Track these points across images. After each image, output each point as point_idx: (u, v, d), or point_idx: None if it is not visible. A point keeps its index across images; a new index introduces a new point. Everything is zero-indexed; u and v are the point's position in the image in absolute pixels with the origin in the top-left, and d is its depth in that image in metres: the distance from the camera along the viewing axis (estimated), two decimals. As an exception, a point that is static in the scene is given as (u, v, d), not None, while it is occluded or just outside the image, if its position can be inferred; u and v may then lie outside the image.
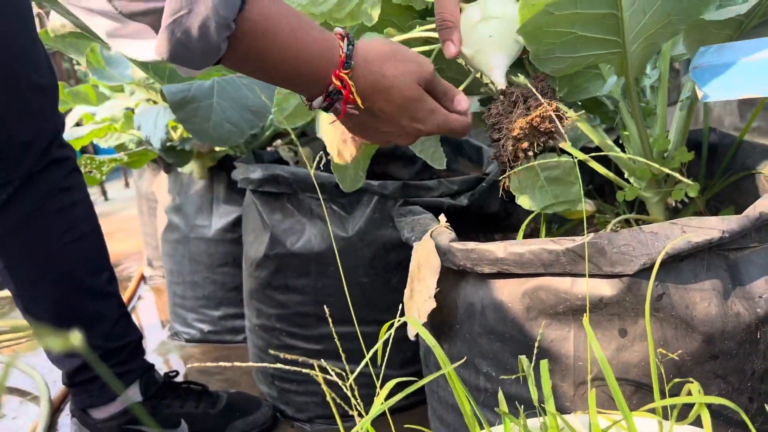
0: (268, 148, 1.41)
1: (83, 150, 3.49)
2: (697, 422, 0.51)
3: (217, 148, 1.41)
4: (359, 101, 0.62)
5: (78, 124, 1.81)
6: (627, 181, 0.88)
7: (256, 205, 1.16)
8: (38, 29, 1.04)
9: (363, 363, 0.51)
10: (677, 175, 0.65)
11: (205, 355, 1.54)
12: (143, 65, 1.20)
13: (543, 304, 0.68)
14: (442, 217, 0.81)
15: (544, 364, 0.56)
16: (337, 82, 0.60)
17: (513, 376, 0.69)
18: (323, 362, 0.51)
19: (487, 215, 1.06)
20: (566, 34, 0.63)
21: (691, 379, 0.52)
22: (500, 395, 0.57)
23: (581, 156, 0.81)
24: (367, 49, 0.63)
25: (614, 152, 0.84)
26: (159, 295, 2.04)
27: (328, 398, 0.46)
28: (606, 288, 0.64)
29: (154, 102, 1.46)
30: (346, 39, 0.61)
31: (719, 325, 0.64)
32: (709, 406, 0.58)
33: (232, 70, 0.63)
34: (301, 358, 0.50)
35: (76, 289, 1.02)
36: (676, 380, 0.60)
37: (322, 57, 0.60)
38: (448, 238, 0.75)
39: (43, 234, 0.99)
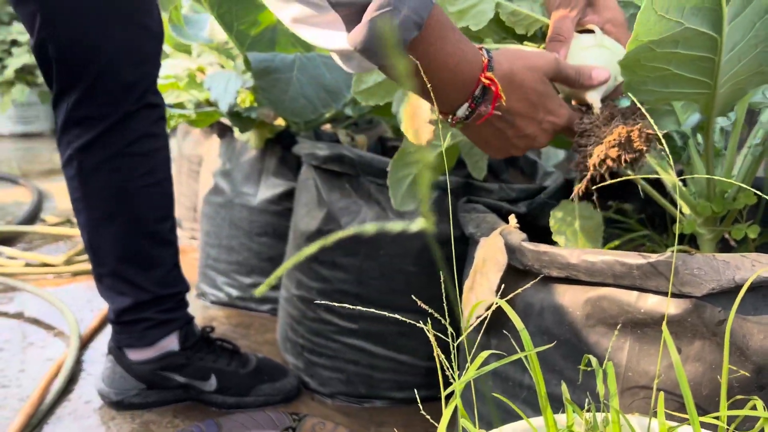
0: (325, 129, 1.46)
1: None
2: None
3: (276, 122, 1.45)
4: (504, 99, 0.65)
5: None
6: (682, 214, 0.93)
7: (316, 181, 1.20)
8: None
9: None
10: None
11: (229, 319, 1.58)
12: (230, 30, 1.24)
13: (604, 313, 0.72)
14: (512, 218, 0.85)
15: (610, 366, 0.60)
16: (486, 81, 0.63)
17: (585, 368, 0.72)
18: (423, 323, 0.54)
19: (539, 227, 1.10)
20: (662, 70, 0.67)
21: (755, 397, 0.56)
22: (563, 387, 0.61)
23: (640, 182, 0.85)
24: (495, 52, 0.67)
25: (678, 185, 0.88)
26: (182, 256, 2.08)
27: (436, 353, 0.50)
28: (672, 306, 0.68)
29: (222, 67, 1.50)
30: (483, 48, 0.66)
31: (770, 358, 0.68)
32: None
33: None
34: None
35: (142, 231, 1.07)
36: (739, 397, 0.64)
37: (473, 64, 0.63)
38: (519, 237, 0.79)
39: (125, 173, 1.04)
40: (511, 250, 0.79)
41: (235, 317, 1.59)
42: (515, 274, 0.80)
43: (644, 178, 1.05)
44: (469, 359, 0.57)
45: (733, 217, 0.90)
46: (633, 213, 1.12)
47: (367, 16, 0.55)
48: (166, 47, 1.86)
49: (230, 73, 1.36)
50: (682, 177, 0.97)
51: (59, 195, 2.83)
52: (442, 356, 0.51)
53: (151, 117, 1.05)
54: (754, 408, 0.53)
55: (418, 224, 0.30)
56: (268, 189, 1.52)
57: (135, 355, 1.13)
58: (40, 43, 0.97)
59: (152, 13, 1.03)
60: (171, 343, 1.14)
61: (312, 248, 0.38)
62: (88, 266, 1.78)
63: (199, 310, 1.64)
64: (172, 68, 1.67)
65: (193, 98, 1.63)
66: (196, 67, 1.67)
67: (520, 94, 0.66)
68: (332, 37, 0.59)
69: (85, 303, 1.65)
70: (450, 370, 0.53)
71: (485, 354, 0.54)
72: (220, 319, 1.59)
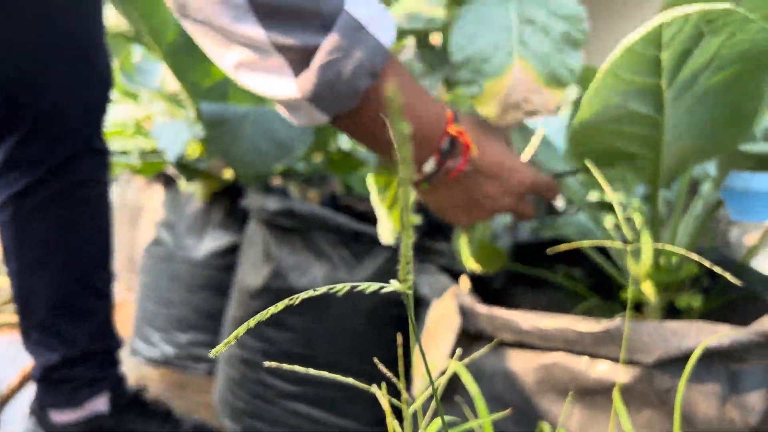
0: (275, 183, 1.44)
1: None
2: None
3: (225, 175, 1.42)
4: (475, 151, 0.62)
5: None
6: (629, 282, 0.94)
7: (264, 235, 1.17)
8: None
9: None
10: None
11: (164, 378, 1.50)
12: (184, 80, 1.23)
13: (555, 380, 0.72)
14: (464, 279, 0.84)
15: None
16: (453, 132, 0.61)
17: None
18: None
19: (490, 290, 1.10)
20: (608, 145, 0.70)
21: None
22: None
23: (588, 243, 0.86)
24: (466, 115, 0.67)
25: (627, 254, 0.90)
26: (117, 310, 1.98)
27: (389, 420, 0.48)
28: (622, 374, 0.68)
29: (172, 116, 1.48)
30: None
31: (715, 426, 0.68)
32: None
33: (345, 131, 0.61)
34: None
35: (77, 280, 1.01)
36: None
37: (438, 117, 0.61)
38: (472, 299, 0.78)
39: (63, 219, 0.98)
40: (463, 312, 0.78)
41: (171, 377, 1.51)
42: (467, 337, 0.79)
43: (592, 246, 1.07)
44: (422, 426, 0.54)
45: (678, 285, 0.92)
46: (581, 279, 1.13)
47: (316, 62, 0.51)
48: (114, 93, 1.83)
49: (180, 123, 1.34)
50: (628, 245, 1.00)
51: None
52: (395, 422, 0.49)
53: (94, 163, 1.01)
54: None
55: (393, 285, 0.28)
56: (212, 242, 1.47)
57: (60, 416, 1.05)
58: None
59: (101, 57, 1.00)
60: (100, 404, 1.07)
61: (267, 312, 0.36)
62: (12, 318, 1.67)
63: (132, 368, 1.55)
64: (118, 115, 1.63)
65: (138, 147, 1.59)
66: (144, 115, 1.64)
67: (488, 147, 0.64)
68: (278, 85, 0.54)
69: (7, 359, 1.54)
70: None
71: (438, 421, 0.52)
72: (154, 378, 1.51)
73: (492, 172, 0.65)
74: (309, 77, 0.52)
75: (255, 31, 0.51)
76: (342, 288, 0.29)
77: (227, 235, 1.46)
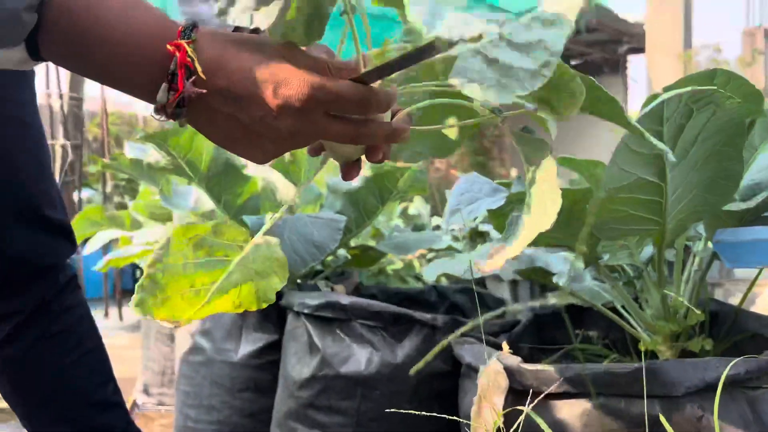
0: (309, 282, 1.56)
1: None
2: None
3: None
4: (200, 70, 0.50)
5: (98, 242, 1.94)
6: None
7: (307, 328, 1.28)
8: (106, 157, 1.19)
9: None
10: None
11: (210, 482, 1.54)
12: (218, 200, 1.38)
13: (600, 422, 0.82)
14: (506, 345, 0.96)
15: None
16: (171, 49, 0.50)
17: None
18: None
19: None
20: (622, 212, 0.85)
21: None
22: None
23: (609, 314, 0.99)
24: (213, 30, 0.54)
25: (636, 311, 1.03)
26: (148, 422, 2.02)
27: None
28: (658, 407, 0.79)
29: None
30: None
31: (744, 447, 0.79)
32: None
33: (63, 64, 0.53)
34: None
35: (84, 403, 1.03)
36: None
37: (159, 35, 0.51)
38: (516, 360, 0.90)
39: (50, 356, 1.00)
40: (510, 372, 0.89)
41: (216, 480, 1.55)
42: (514, 395, 0.90)
43: (604, 306, 1.20)
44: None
45: (686, 335, 1.04)
46: (597, 339, 1.25)
47: None
48: (140, 216, 1.97)
49: (217, 235, 1.47)
50: (635, 300, 1.13)
51: None
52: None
53: (66, 293, 1.02)
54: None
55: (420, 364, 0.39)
56: (250, 344, 1.57)
57: None
58: None
59: (54, 202, 1.00)
60: None
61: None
62: None
63: (177, 475, 1.59)
64: (151, 235, 1.76)
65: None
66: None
67: (235, 62, 0.52)
68: None
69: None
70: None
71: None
72: (199, 483, 1.55)
73: (244, 92, 0.51)
74: None
75: None
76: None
77: (263, 334, 1.56)
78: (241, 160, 1.60)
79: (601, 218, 0.82)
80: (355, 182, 1.70)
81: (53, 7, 0.49)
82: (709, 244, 1.01)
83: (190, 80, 0.51)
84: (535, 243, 1.16)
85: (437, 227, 3.23)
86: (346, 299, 1.23)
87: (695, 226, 0.97)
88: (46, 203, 0.99)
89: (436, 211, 4.54)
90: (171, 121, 0.54)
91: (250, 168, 1.58)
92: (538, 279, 1.34)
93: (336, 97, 0.51)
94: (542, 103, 0.52)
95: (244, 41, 0.53)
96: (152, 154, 1.36)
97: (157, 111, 0.53)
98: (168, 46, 0.50)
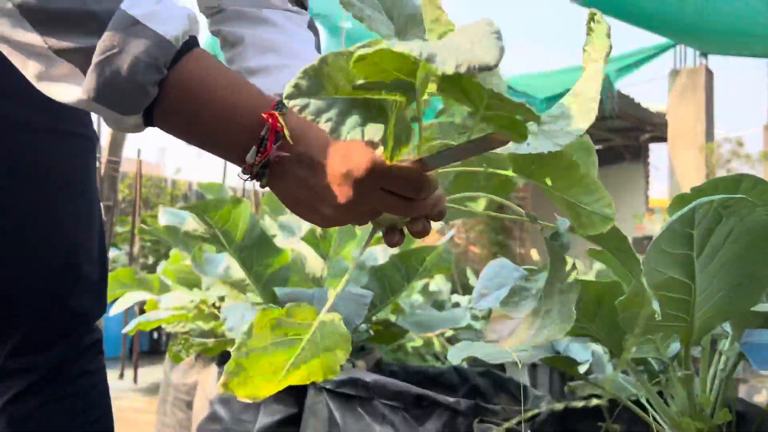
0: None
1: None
2: None
3: (281, 350, 1.56)
4: (288, 134, 0.57)
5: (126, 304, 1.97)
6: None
7: (328, 404, 1.28)
8: (137, 218, 1.22)
9: None
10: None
11: None
12: (249, 270, 1.42)
13: None
14: (529, 435, 0.95)
15: None
16: (265, 116, 0.57)
17: None
18: None
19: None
20: (652, 309, 0.86)
21: None
22: None
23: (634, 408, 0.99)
24: None
25: (662, 406, 1.02)
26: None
27: None
28: None
29: (234, 300, 1.65)
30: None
31: None
32: None
33: (174, 135, 0.60)
34: None
35: None
36: None
37: (256, 104, 0.58)
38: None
39: (57, 420, 0.97)
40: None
41: None
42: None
43: (628, 399, 1.19)
44: None
45: (714, 432, 1.03)
46: (622, 434, 1.23)
47: (93, 62, 0.53)
48: (169, 280, 2.01)
49: (244, 304, 1.50)
50: (660, 394, 1.12)
51: None
52: None
53: (88, 356, 1.01)
54: None
55: None
56: (268, 416, 1.56)
57: None
58: None
59: (94, 261, 0.99)
60: None
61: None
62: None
63: None
64: (177, 300, 1.80)
65: (196, 328, 1.74)
66: (200, 299, 1.81)
67: (316, 133, 0.58)
68: (70, 90, 0.55)
69: None
70: None
71: None
72: None
73: (318, 159, 0.58)
74: (90, 78, 0.53)
75: (32, 37, 0.53)
76: None
77: (282, 407, 1.56)
78: (272, 232, 1.65)
79: (630, 313, 0.84)
80: (381, 259, 1.74)
81: (172, 82, 0.56)
82: (736, 344, 1.02)
83: (276, 144, 0.58)
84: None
85: (456, 305, 3.22)
86: (368, 377, 1.24)
87: (723, 323, 0.98)
88: (86, 261, 0.98)
89: (455, 287, 4.53)
90: (254, 180, 0.61)
91: (281, 241, 1.63)
92: (562, 367, 1.34)
93: (392, 175, 0.56)
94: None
95: None
96: (190, 222, 1.42)
97: (244, 171, 0.60)
98: (263, 115, 0.57)
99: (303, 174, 0.59)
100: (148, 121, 0.58)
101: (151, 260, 4.11)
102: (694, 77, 5.68)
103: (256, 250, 1.45)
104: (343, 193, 0.57)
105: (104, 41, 0.53)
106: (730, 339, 0.98)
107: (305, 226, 1.75)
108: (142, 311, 2.14)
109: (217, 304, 1.76)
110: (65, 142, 0.95)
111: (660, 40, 5.32)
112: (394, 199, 0.58)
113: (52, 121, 0.91)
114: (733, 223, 0.71)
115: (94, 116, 1.06)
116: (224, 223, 1.36)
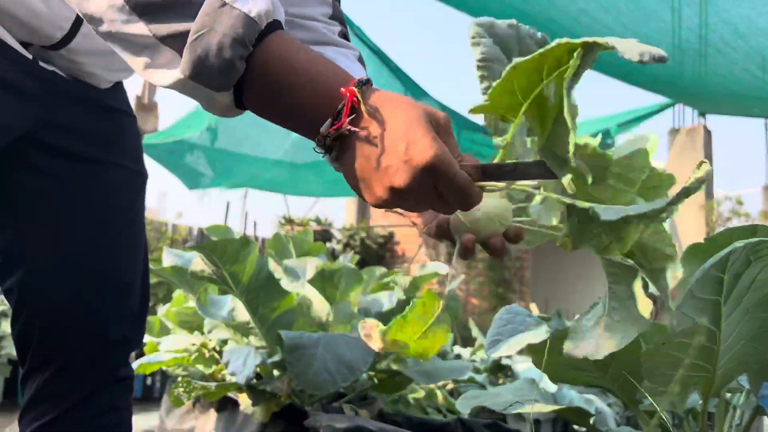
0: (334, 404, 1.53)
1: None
2: None
3: (283, 397, 1.52)
4: (364, 110, 0.60)
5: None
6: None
7: (332, 454, 1.24)
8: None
9: None
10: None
11: None
12: (255, 313, 1.40)
13: None
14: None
15: None
16: (343, 90, 0.60)
17: None
18: None
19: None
20: (675, 357, 0.85)
21: None
22: None
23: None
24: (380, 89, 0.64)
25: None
26: None
27: None
28: None
29: (236, 343, 1.62)
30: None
31: None
32: None
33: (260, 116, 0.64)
34: None
35: None
36: None
37: (337, 80, 0.61)
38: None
39: None
40: None
41: None
42: None
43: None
44: None
45: (731, 492, 1.00)
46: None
47: (187, 42, 0.58)
48: (170, 323, 1.99)
49: (249, 348, 1.47)
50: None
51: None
52: None
53: (119, 391, 1.02)
54: None
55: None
56: (268, 464, 1.52)
57: None
58: (26, 325, 0.96)
59: (134, 285, 1.01)
60: None
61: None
62: None
63: None
64: (178, 343, 1.77)
65: (197, 371, 1.71)
66: (201, 343, 1.78)
67: (393, 116, 0.60)
68: (170, 74, 0.60)
69: None
70: None
71: None
72: None
73: (385, 140, 0.60)
74: (185, 57, 0.58)
75: (139, 27, 0.59)
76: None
77: (283, 455, 1.51)
78: (279, 275, 1.64)
79: (651, 362, 0.82)
80: (387, 305, 1.72)
81: (258, 58, 0.60)
82: (752, 397, 1.00)
83: (350, 117, 0.60)
84: (573, 381, 1.15)
85: (458, 356, 3.17)
86: (373, 425, 1.21)
87: (742, 375, 0.96)
88: (130, 292, 1.01)
89: (455, 340, 4.46)
90: (324, 154, 0.63)
91: (286, 284, 1.61)
92: (573, 419, 1.31)
93: (446, 175, 0.59)
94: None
95: (403, 101, 0.62)
96: (197, 263, 1.40)
97: (318, 142, 0.62)
98: (341, 89, 0.60)
99: (368, 152, 0.61)
100: (238, 99, 0.62)
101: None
102: (693, 136, 5.75)
103: (263, 293, 1.44)
104: (398, 179, 0.60)
105: (197, 23, 0.58)
106: (745, 393, 0.96)
107: (310, 270, 1.74)
108: (138, 355, 2.10)
109: (218, 348, 1.73)
110: (120, 175, 0.99)
111: (660, 99, 5.42)
112: (438, 196, 0.61)
113: (106, 154, 0.97)
114: (759, 268, 0.71)
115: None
116: (232, 263, 1.35)
